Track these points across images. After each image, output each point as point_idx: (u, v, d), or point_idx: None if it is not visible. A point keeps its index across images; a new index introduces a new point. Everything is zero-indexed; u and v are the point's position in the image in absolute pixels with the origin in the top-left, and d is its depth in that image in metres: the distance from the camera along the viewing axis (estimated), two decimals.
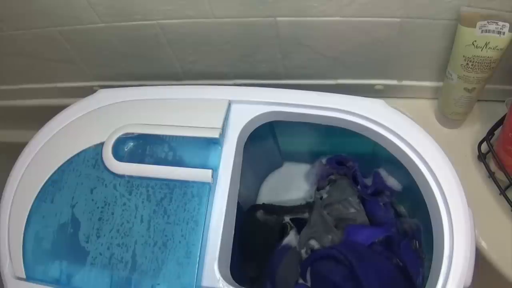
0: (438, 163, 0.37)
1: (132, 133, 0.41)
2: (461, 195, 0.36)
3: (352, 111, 0.40)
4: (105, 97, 0.45)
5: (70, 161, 0.42)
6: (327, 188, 0.56)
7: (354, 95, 0.41)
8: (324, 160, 0.57)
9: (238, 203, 0.42)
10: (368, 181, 0.55)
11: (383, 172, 0.54)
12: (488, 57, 0.43)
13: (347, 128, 0.41)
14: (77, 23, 0.52)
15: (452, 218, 0.35)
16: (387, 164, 0.52)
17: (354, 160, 0.54)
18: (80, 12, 0.50)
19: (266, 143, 0.57)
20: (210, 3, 0.47)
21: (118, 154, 0.41)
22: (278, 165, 0.63)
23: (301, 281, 0.51)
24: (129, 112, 0.43)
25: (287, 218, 0.56)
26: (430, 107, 0.57)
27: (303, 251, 0.53)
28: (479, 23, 0.41)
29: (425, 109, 0.57)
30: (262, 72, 0.57)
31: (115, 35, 0.54)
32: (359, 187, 0.54)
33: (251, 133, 0.43)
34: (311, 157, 0.59)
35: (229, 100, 0.42)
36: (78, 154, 0.42)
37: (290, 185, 0.62)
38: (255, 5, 0.46)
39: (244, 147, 0.42)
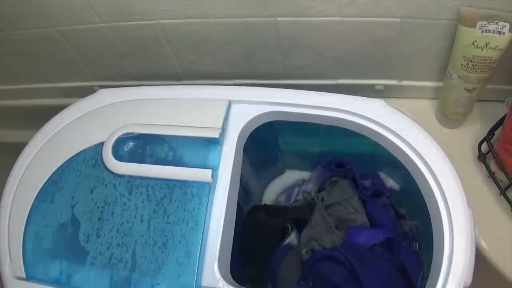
0: (438, 163, 0.37)
1: (132, 133, 0.41)
2: (461, 195, 0.36)
3: (352, 111, 0.40)
4: (105, 97, 0.45)
5: (70, 161, 0.42)
6: (328, 189, 0.56)
7: (354, 95, 0.41)
8: (324, 163, 0.57)
9: (239, 204, 0.42)
10: (368, 183, 0.54)
11: (382, 174, 0.53)
12: (488, 57, 0.43)
13: (347, 128, 0.41)
14: (77, 23, 0.52)
15: (452, 218, 0.35)
16: (387, 165, 0.52)
17: (354, 163, 0.54)
18: (80, 12, 0.50)
19: (268, 149, 0.57)
20: (210, 3, 0.47)
21: (118, 154, 0.41)
22: (279, 172, 0.63)
23: (302, 282, 0.51)
24: (129, 112, 0.43)
25: (288, 219, 0.56)
26: (430, 107, 0.57)
27: (304, 251, 0.52)
28: (479, 23, 0.41)
29: (425, 109, 0.57)
30: (262, 72, 0.57)
31: (115, 35, 0.54)
32: (359, 189, 0.54)
33: (253, 138, 0.43)
34: (311, 162, 0.59)
35: (229, 100, 0.42)
36: (78, 154, 0.42)
37: (291, 190, 0.62)
38: (255, 5, 0.46)
39: (246, 154, 0.42)
